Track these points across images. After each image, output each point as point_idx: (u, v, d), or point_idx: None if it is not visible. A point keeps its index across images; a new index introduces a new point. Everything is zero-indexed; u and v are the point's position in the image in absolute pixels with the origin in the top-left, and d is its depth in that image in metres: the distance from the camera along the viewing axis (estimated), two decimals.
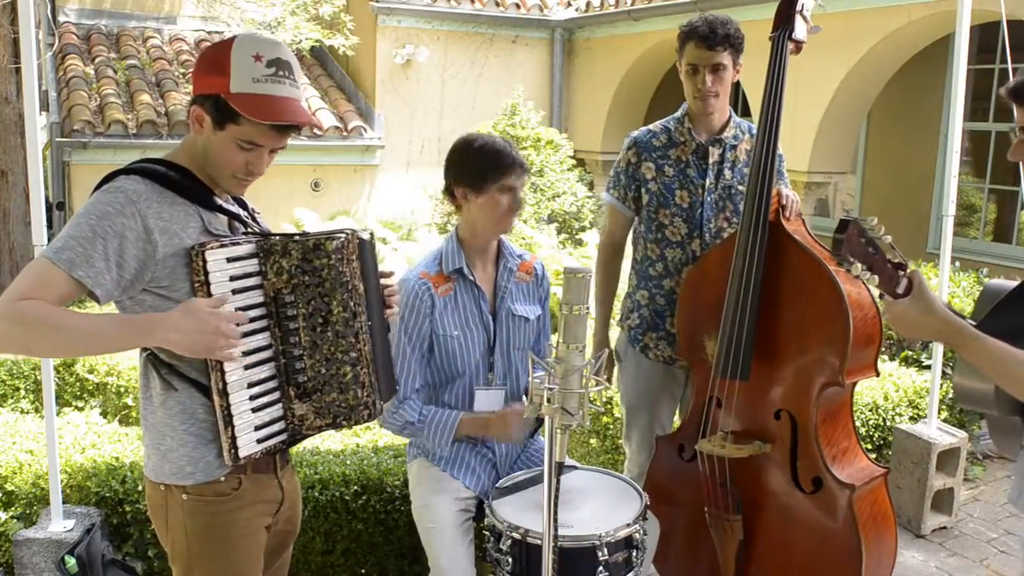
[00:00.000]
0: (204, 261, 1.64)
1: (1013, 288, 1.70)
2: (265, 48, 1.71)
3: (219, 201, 1.79)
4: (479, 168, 2.35)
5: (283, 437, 1.80)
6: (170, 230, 1.66)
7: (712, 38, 2.58)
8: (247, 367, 1.72)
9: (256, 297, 1.73)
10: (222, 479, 1.76)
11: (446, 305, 2.44)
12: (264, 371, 1.75)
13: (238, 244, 1.72)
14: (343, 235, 1.78)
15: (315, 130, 9.05)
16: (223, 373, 1.68)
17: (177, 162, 1.76)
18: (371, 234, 1.90)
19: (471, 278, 2.47)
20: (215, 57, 1.70)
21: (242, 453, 1.71)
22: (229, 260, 1.69)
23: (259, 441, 1.75)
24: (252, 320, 1.72)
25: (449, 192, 2.46)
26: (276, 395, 1.77)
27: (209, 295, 1.64)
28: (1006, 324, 1.57)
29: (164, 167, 1.73)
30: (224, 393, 1.68)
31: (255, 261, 1.73)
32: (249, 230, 1.84)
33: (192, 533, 1.78)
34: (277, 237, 1.77)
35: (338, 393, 1.81)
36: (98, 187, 1.69)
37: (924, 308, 1.56)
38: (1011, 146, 1.62)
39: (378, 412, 1.88)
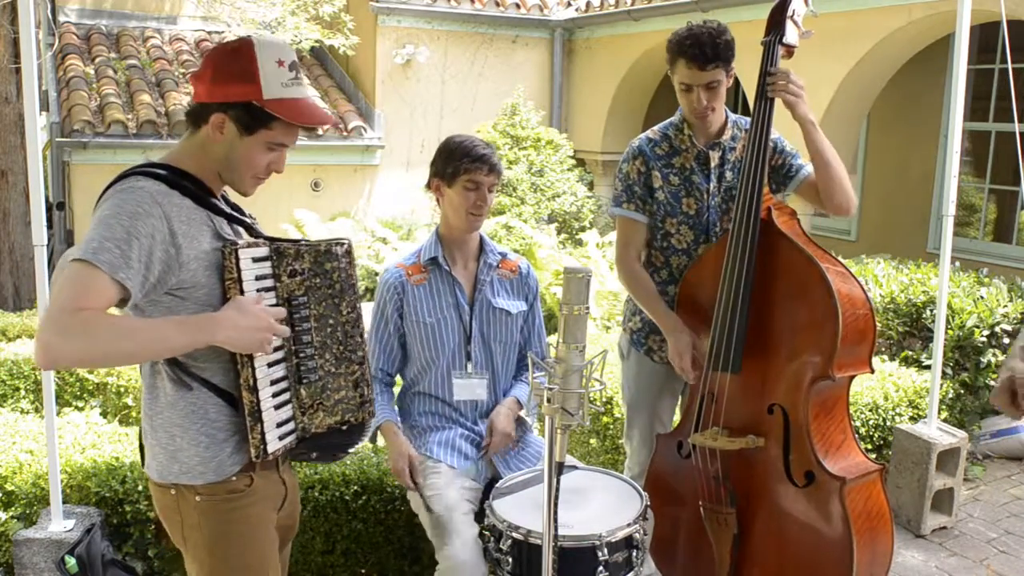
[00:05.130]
0: (237, 259, 1.68)
1: None
2: (282, 52, 1.75)
3: (225, 208, 1.81)
4: (451, 160, 2.49)
5: (295, 436, 1.82)
6: (190, 233, 1.67)
7: (703, 58, 2.49)
8: (269, 365, 1.75)
9: (271, 299, 1.76)
10: (234, 478, 1.78)
11: (418, 294, 2.57)
12: (279, 370, 1.78)
13: (258, 246, 1.75)
14: (347, 241, 1.92)
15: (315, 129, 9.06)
16: (254, 369, 1.70)
17: (182, 167, 1.75)
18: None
19: (446, 268, 2.59)
20: (239, 66, 1.70)
21: (270, 448, 1.74)
22: (254, 260, 1.73)
23: (280, 438, 1.77)
24: None
25: (429, 185, 2.58)
26: (288, 394, 1.80)
27: (241, 293, 1.67)
28: None
29: (173, 172, 1.73)
30: (254, 389, 1.71)
31: (269, 264, 1.77)
32: (257, 236, 1.86)
33: (210, 533, 1.78)
34: (288, 242, 1.83)
35: (347, 391, 1.88)
36: (111, 186, 1.67)
37: None
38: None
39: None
